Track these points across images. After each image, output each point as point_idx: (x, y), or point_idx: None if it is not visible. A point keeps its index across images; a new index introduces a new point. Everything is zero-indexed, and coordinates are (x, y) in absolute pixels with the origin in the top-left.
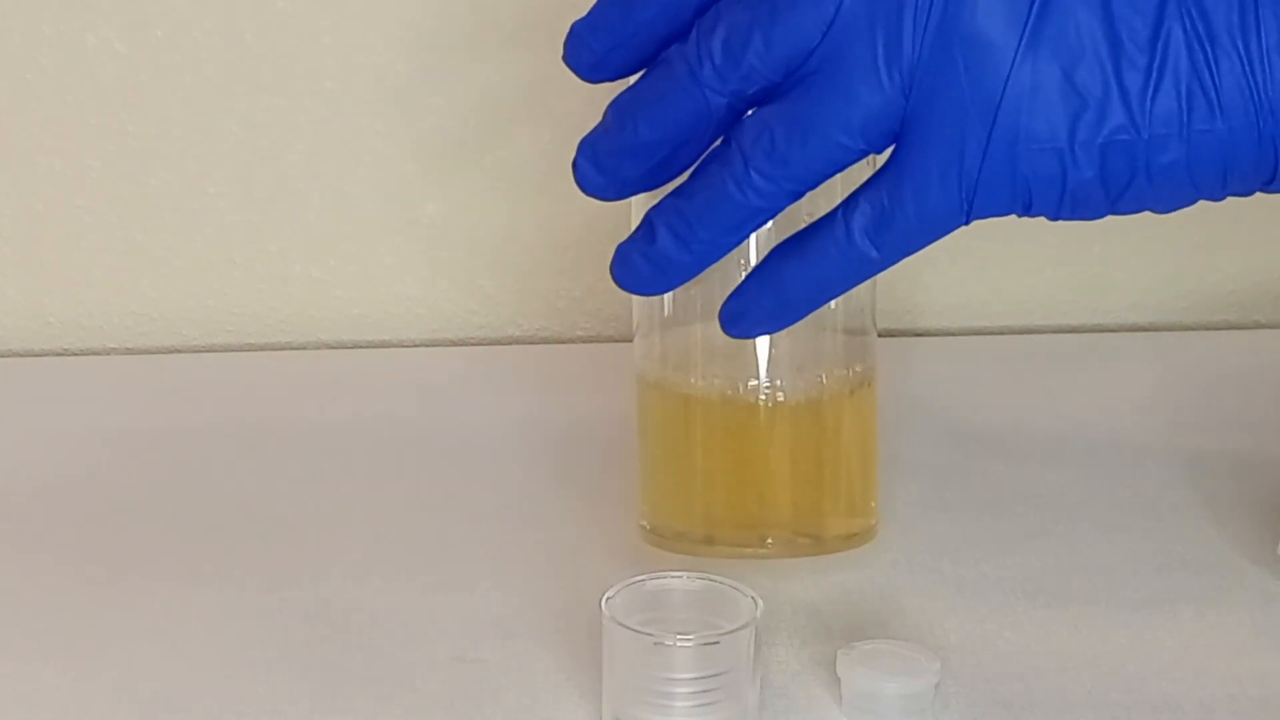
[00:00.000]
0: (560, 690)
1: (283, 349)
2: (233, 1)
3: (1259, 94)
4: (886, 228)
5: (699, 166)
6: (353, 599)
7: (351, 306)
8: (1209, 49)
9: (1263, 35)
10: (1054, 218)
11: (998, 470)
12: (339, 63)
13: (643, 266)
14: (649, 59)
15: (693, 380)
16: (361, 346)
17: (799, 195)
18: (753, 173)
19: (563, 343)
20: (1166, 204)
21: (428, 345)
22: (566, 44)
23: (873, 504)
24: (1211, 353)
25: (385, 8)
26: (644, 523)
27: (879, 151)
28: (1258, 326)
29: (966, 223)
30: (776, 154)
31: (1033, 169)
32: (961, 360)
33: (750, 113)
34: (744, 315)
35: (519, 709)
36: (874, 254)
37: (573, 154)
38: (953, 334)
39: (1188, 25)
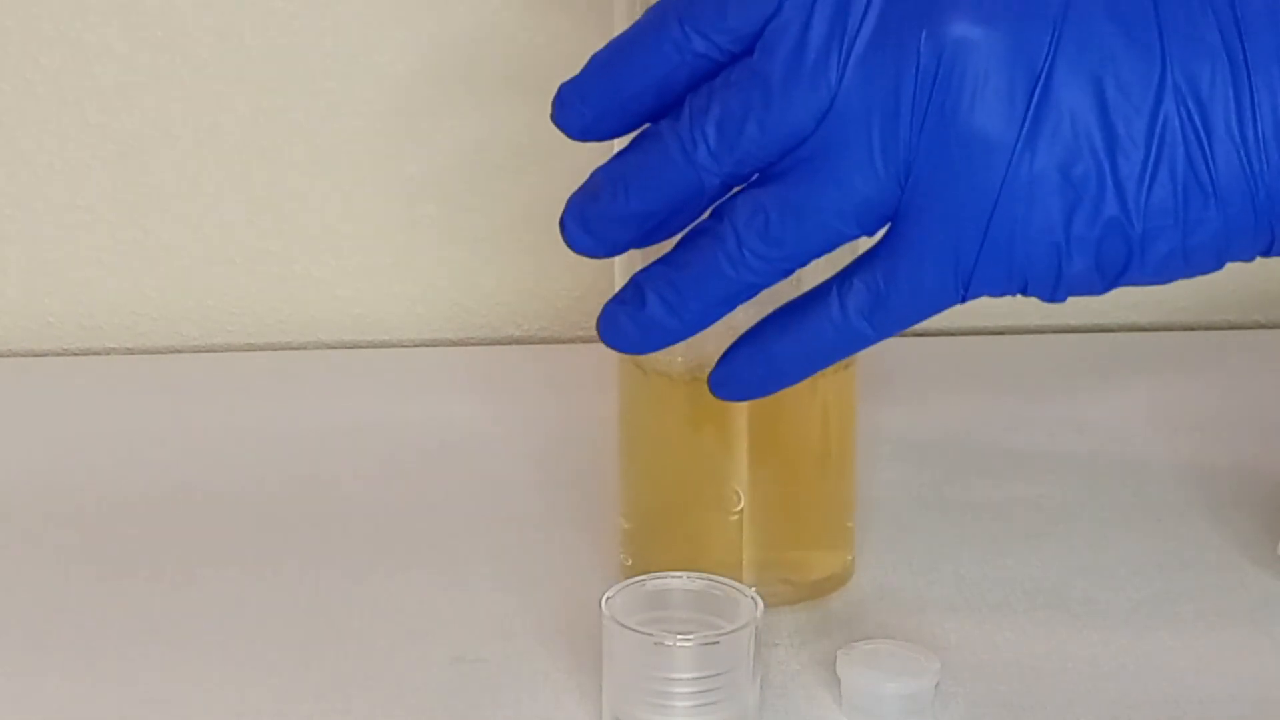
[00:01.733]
0: (560, 690)
1: (283, 349)
2: (233, 1)
3: (1256, 182)
4: (881, 308)
5: (690, 236)
6: (353, 599)
7: (351, 306)
8: (1205, 139)
9: (1259, 124)
10: (1049, 300)
11: (998, 470)
12: (339, 63)
13: (631, 330)
14: (638, 124)
15: (671, 360)
16: (361, 346)
17: (791, 272)
18: (747, 253)
19: (563, 343)
20: (1163, 282)
21: (428, 345)
22: (555, 105)
23: (849, 524)
24: (1211, 353)
25: (385, 7)
26: (627, 561)
27: (872, 234)
28: (1258, 326)
29: (962, 302)
30: (770, 236)
31: (1028, 259)
32: (962, 360)
33: (742, 188)
34: (733, 380)
35: (519, 709)
36: (869, 331)
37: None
38: (952, 334)
39: (1184, 116)
